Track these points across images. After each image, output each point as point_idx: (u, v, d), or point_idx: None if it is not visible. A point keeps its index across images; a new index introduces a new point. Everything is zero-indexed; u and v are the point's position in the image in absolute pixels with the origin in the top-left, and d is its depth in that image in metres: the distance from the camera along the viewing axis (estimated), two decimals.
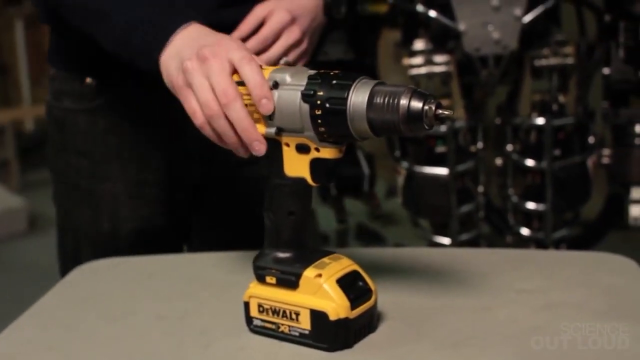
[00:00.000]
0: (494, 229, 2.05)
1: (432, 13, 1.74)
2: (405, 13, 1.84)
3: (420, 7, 1.75)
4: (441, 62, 1.80)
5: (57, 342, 0.92)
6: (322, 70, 0.82)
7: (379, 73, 1.92)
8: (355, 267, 0.87)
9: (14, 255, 3.56)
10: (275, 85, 0.82)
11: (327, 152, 0.82)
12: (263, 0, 1.17)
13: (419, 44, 1.82)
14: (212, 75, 0.85)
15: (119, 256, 1.19)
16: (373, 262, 1.05)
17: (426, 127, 0.76)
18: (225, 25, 1.14)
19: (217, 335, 0.89)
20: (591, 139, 1.86)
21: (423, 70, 1.81)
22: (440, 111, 0.75)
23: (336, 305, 0.83)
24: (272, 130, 0.83)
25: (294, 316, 0.85)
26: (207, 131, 0.88)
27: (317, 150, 0.82)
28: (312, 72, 0.82)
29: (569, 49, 1.81)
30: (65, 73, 1.23)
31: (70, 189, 1.28)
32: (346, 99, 0.78)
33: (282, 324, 0.86)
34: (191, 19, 0.95)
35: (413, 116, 0.76)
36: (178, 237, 1.34)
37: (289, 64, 0.90)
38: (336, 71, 0.81)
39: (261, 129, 0.84)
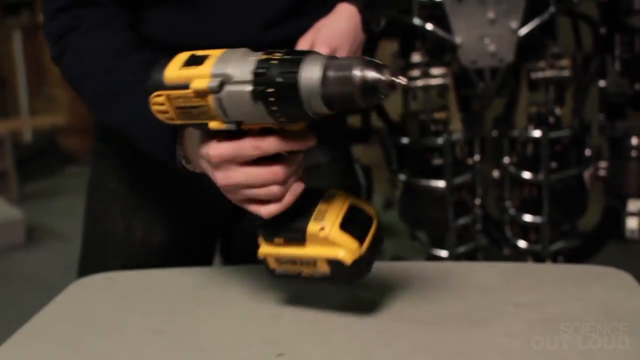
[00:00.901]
0: (491, 241, 2.06)
1: (429, 26, 1.75)
2: (402, 26, 1.85)
3: (417, 20, 1.76)
4: (438, 75, 1.81)
5: (54, 358, 0.92)
6: (267, 51, 0.79)
7: None
8: (350, 200, 0.88)
9: (12, 268, 3.55)
10: (222, 86, 0.79)
11: (294, 128, 0.82)
12: (299, 20, 1.17)
13: (415, 57, 1.83)
14: (251, 184, 0.86)
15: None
16: (369, 276, 1.05)
17: (382, 97, 0.75)
18: (269, 45, 1.15)
19: (214, 351, 0.89)
20: (587, 152, 1.87)
21: (420, 82, 1.82)
22: (395, 79, 0.74)
23: (347, 251, 0.85)
24: (232, 126, 0.81)
25: (312, 263, 0.87)
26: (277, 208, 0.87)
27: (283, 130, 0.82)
28: (255, 55, 0.79)
29: (565, 62, 1.82)
30: None
31: (108, 195, 1.27)
32: (297, 73, 0.75)
33: (303, 270, 0.88)
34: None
35: (368, 86, 0.74)
36: (211, 248, 1.34)
37: None
38: (283, 50, 0.78)
39: (220, 125, 0.82)
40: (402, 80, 0.74)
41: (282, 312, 0.96)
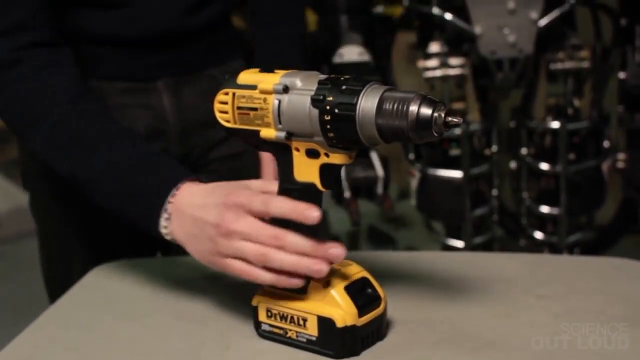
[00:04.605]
0: (507, 232, 2.05)
1: (448, 16, 1.74)
2: (421, 15, 1.84)
3: (436, 10, 1.75)
4: (456, 65, 1.80)
5: (76, 343, 0.92)
6: (333, 75, 0.81)
7: (393, 75, 1.92)
8: (365, 273, 0.87)
9: (27, 254, 3.56)
10: (286, 90, 0.81)
11: (337, 158, 0.81)
12: (216, 5, 1.21)
13: (434, 47, 1.82)
14: (249, 237, 0.83)
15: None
16: (386, 267, 1.04)
17: (435, 135, 0.75)
18: (190, 30, 1.19)
19: (236, 337, 0.89)
20: (606, 143, 1.86)
21: (438, 72, 1.81)
22: (450, 118, 0.74)
23: (343, 312, 0.82)
24: (282, 134, 0.82)
25: (301, 322, 0.84)
26: (262, 276, 0.84)
27: (327, 155, 0.81)
28: (323, 76, 0.81)
29: (584, 53, 1.81)
30: None
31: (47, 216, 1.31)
32: (355, 104, 0.76)
33: (290, 330, 0.86)
34: (178, 177, 0.93)
35: (422, 123, 0.74)
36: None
37: None
38: (347, 76, 0.80)
39: (271, 132, 0.83)
40: (456, 119, 0.74)
41: None
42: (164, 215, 0.91)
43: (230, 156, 1.29)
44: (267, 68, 0.87)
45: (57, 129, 1.00)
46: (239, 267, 0.85)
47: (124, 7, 1.13)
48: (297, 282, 0.83)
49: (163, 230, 0.92)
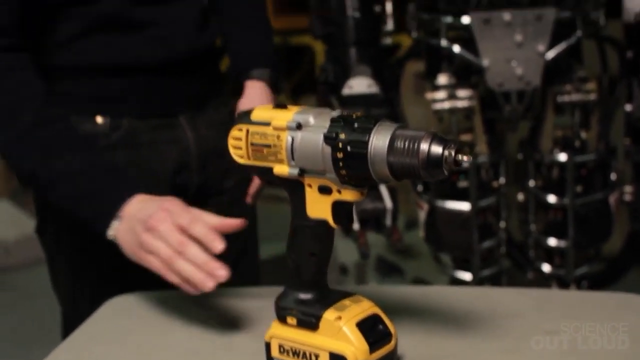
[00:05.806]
0: (515, 265, 2.05)
1: (456, 48, 1.75)
2: (429, 47, 1.86)
3: (444, 42, 1.76)
4: (464, 97, 1.81)
5: None
6: (345, 113, 0.82)
7: (401, 107, 1.93)
8: (376, 309, 0.87)
9: (35, 283, 3.56)
10: (299, 127, 0.83)
11: (349, 194, 0.83)
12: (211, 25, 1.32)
13: (442, 79, 1.83)
14: (163, 238, 0.95)
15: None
16: (395, 301, 1.05)
17: (445, 173, 0.76)
18: (199, 50, 1.28)
19: None
20: (613, 176, 1.86)
21: (446, 104, 1.82)
22: (460, 156, 0.76)
23: (355, 349, 0.83)
24: (295, 171, 0.84)
25: (313, 358, 0.85)
26: (171, 276, 0.96)
27: (339, 192, 0.83)
28: (335, 113, 0.82)
29: (591, 85, 1.82)
30: (76, 116, 1.21)
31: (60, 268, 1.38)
32: (367, 142, 0.78)
33: None
34: (134, 190, 1.05)
35: (433, 161, 0.76)
36: None
37: None
38: (358, 113, 0.81)
39: (284, 169, 0.85)
40: (466, 157, 0.76)
41: None
42: (117, 221, 1.02)
43: (243, 180, 1.35)
44: (278, 105, 0.88)
45: (27, 130, 1.09)
46: (155, 264, 0.97)
47: (141, 29, 1.20)
48: (194, 292, 0.94)
49: (110, 232, 1.03)
